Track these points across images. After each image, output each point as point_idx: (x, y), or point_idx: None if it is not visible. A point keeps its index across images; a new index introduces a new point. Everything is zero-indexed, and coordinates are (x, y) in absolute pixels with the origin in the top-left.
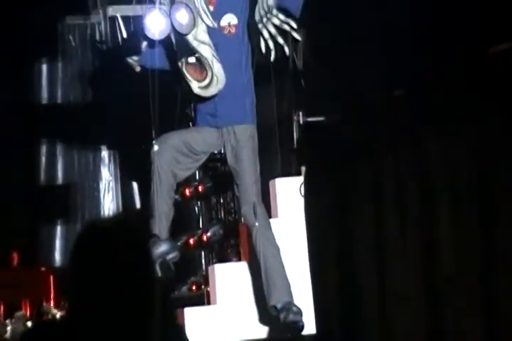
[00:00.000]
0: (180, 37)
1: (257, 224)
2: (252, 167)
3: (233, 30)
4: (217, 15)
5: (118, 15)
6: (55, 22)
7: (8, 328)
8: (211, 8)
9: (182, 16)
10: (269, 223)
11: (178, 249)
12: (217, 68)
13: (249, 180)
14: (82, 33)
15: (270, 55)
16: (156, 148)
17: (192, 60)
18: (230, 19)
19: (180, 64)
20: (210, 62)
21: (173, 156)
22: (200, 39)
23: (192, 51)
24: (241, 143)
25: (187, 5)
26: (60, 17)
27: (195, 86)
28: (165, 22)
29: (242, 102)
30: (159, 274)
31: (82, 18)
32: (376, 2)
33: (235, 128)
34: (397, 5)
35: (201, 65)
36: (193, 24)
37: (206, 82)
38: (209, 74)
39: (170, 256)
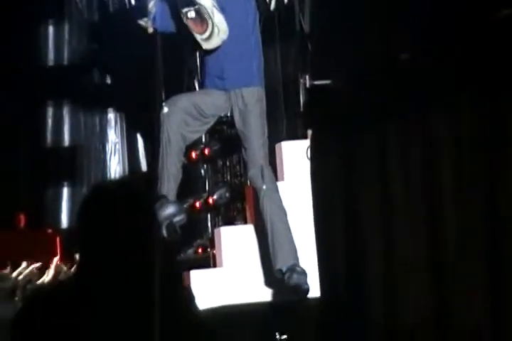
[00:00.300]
0: None
1: (264, 187)
2: (259, 130)
3: None
4: None
5: None
6: None
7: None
8: None
9: None
10: (277, 186)
11: (185, 211)
12: (218, 18)
13: (256, 143)
14: None
15: (271, 4)
16: (165, 110)
17: (191, 14)
18: None
19: (182, 16)
20: (209, 12)
21: (183, 118)
22: None
23: (192, 2)
24: (249, 107)
25: None
26: None
27: (198, 38)
28: None
29: (250, 64)
30: (165, 236)
31: None
32: None
33: (242, 91)
34: None
35: (201, 17)
36: None
37: (207, 34)
38: (209, 25)
39: (177, 219)
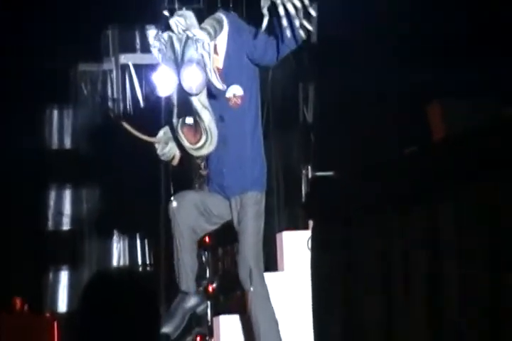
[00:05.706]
0: (186, 96)
1: (251, 289)
2: (252, 231)
3: (238, 101)
4: None
5: (130, 63)
6: (68, 69)
7: None
8: None
9: (193, 75)
10: (266, 290)
11: (205, 299)
12: (214, 130)
13: (247, 244)
14: (93, 80)
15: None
16: (174, 204)
17: (190, 120)
18: (235, 90)
19: (175, 122)
20: (206, 126)
21: (191, 212)
22: (202, 102)
23: (195, 113)
24: (245, 209)
25: (198, 62)
26: (73, 63)
27: (188, 147)
28: (173, 78)
29: (250, 171)
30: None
31: (95, 65)
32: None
33: (241, 197)
34: None
35: (196, 128)
36: (204, 84)
37: (199, 145)
38: (203, 137)
39: (200, 308)
